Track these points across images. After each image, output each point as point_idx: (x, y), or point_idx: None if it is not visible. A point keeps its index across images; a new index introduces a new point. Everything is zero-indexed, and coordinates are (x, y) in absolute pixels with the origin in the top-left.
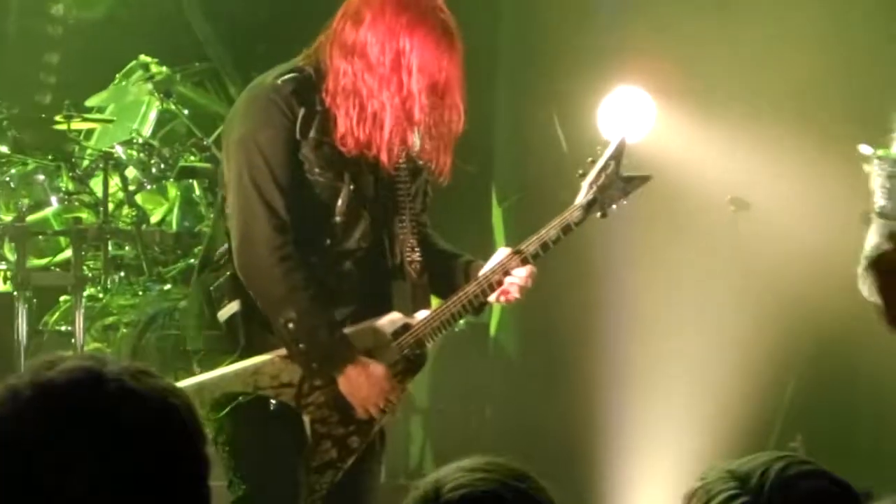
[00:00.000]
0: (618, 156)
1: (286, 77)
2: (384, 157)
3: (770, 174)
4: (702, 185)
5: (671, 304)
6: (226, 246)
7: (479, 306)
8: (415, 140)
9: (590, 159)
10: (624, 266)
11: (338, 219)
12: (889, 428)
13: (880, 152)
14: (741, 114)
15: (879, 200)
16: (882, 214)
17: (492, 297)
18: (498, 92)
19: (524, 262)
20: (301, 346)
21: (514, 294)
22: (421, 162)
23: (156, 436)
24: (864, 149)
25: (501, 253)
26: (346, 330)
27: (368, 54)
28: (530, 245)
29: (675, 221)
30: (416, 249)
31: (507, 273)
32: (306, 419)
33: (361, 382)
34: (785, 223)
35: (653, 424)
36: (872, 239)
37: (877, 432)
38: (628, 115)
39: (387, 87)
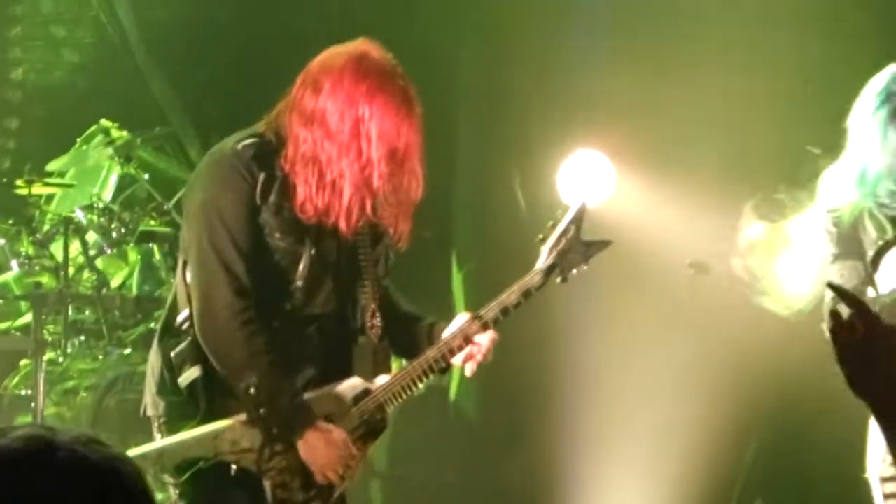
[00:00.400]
0: (578, 220)
1: (246, 142)
2: (343, 224)
3: (729, 237)
4: (661, 248)
5: (631, 367)
6: (186, 311)
7: (441, 370)
8: (374, 206)
9: (550, 223)
10: (583, 329)
11: (299, 283)
12: (847, 493)
13: (830, 207)
14: (701, 177)
15: (830, 248)
16: (837, 257)
17: (456, 360)
18: (458, 156)
19: (484, 326)
20: (262, 411)
21: (478, 359)
22: (381, 228)
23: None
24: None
25: (462, 318)
26: (307, 395)
27: (328, 122)
28: (490, 310)
29: (635, 285)
30: (377, 314)
31: (467, 338)
32: (267, 484)
33: (321, 448)
34: (744, 287)
35: (614, 487)
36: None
37: (835, 497)
38: (588, 178)
39: (346, 155)
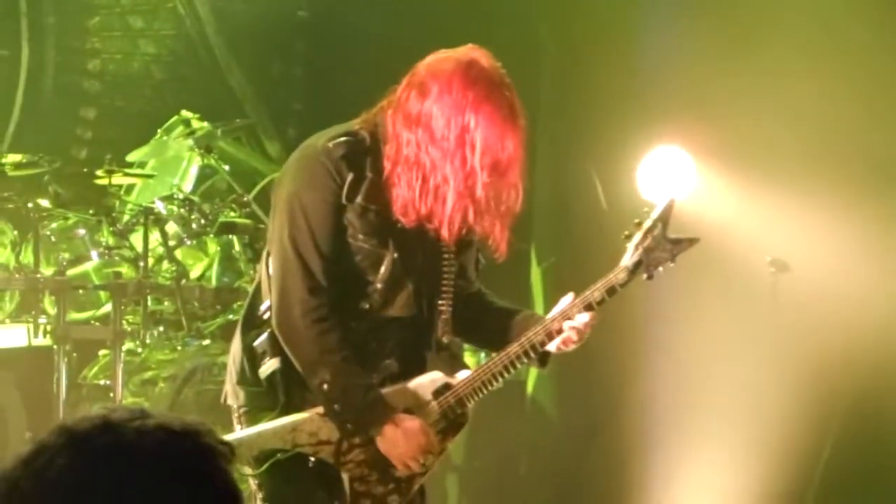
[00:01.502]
0: (665, 217)
1: (338, 140)
2: (445, 233)
3: (809, 234)
4: (741, 246)
5: (710, 365)
6: (268, 303)
7: (541, 357)
8: (476, 215)
9: (636, 220)
10: (663, 324)
11: (379, 286)
12: None
13: None
14: (780, 173)
15: None
16: None
17: (551, 346)
18: (537, 151)
19: (567, 318)
20: (336, 406)
21: (574, 339)
22: (472, 236)
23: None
24: None
25: (564, 301)
26: (385, 390)
27: (433, 127)
28: (574, 307)
29: (715, 282)
30: (450, 321)
31: (549, 335)
32: (345, 477)
33: (398, 439)
34: (824, 284)
35: (691, 481)
36: None
37: None
38: (667, 175)
39: (450, 162)
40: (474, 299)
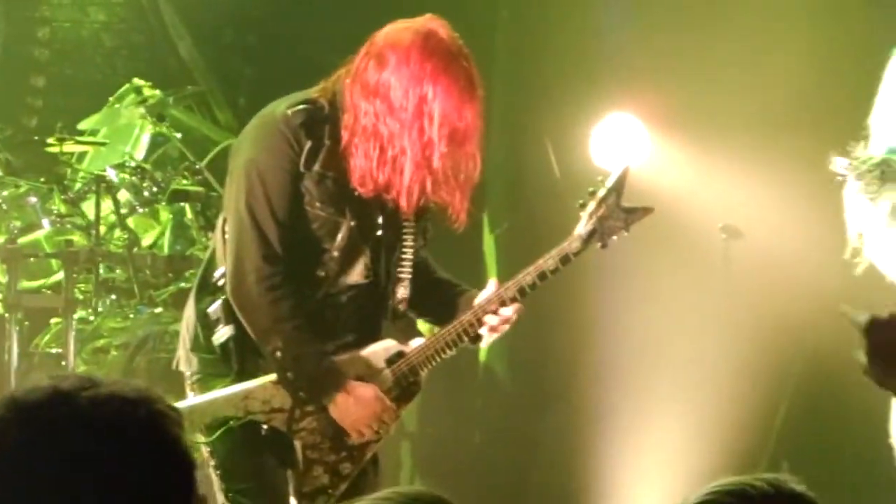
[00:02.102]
0: (619, 186)
1: (297, 108)
2: (403, 203)
3: (762, 201)
4: (693, 212)
5: (663, 331)
6: (222, 269)
7: (475, 336)
8: (434, 186)
9: (590, 189)
10: (615, 293)
11: (335, 253)
12: (875, 459)
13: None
14: (732, 141)
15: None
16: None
17: (483, 331)
18: (491, 119)
19: (520, 292)
20: (288, 374)
21: (500, 328)
22: (428, 206)
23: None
24: (840, 162)
25: (493, 284)
26: (338, 357)
27: (391, 97)
28: (527, 275)
29: (667, 249)
30: (408, 288)
31: (503, 303)
32: (298, 445)
33: (351, 406)
34: (776, 249)
35: (644, 450)
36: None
37: (863, 463)
38: (620, 142)
39: (408, 133)
40: (420, 269)
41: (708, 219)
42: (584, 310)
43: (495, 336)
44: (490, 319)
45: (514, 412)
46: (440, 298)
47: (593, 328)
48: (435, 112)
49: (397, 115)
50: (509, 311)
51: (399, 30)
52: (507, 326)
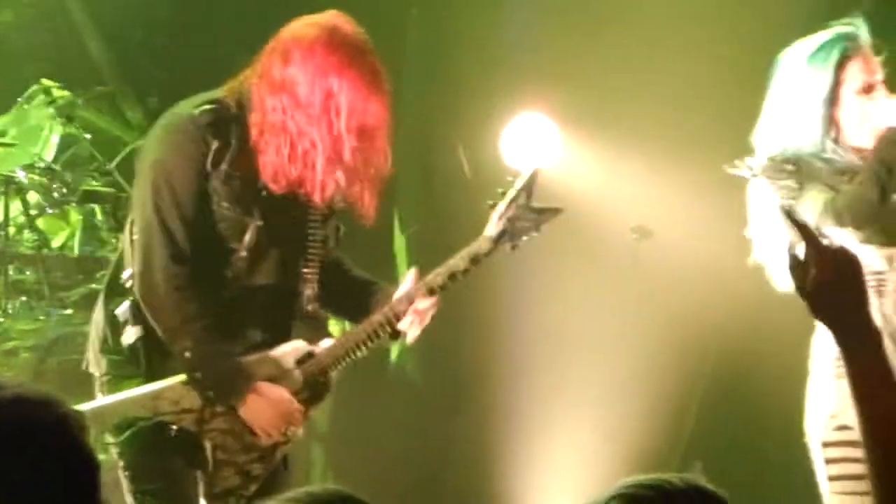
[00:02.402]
0: (529, 187)
1: (204, 108)
2: (317, 197)
3: (672, 201)
4: (605, 213)
5: (574, 331)
6: (130, 271)
7: (391, 334)
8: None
9: (500, 190)
10: (526, 294)
11: (243, 253)
12: (788, 456)
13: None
14: (643, 141)
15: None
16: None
17: (403, 326)
18: (401, 118)
19: (430, 292)
20: (197, 375)
21: (416, 326)
22: (338, 204)
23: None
24: (744, 169)
25: (409, 282)
26: (247, 358)
27: (297, 93)
28: (438, 276)
29: (578, 250)
30: (317, 288)
31: (412, 302)
32: (207, 445)
33: (261, 408)
34: (686, 250)
35: (557, 452)
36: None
37: (775, 460)
38: (532, 142)
39: (317, 127)
40: (332, 267)
41: (619, 219)
42: (496, 310)
43: (417, 329)
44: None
45: (426, 412)
46: (355, 297)
47: (504, 329)
48: (342, 106)
49: (305, 109)
50: (425, 304)
51: (303, 26)
52: (427, 318)
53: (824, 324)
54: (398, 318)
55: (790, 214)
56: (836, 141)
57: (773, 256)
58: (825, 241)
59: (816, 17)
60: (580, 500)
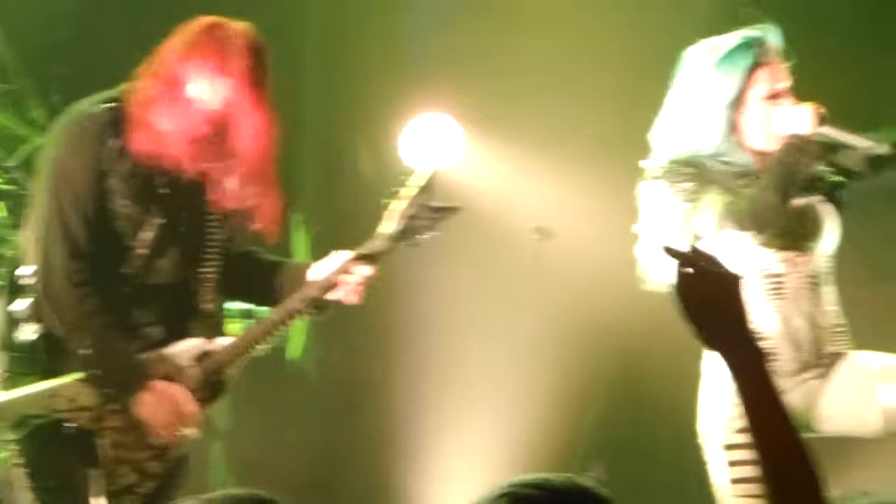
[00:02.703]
0: (428, 186)
1: (104, 107)
2: (214, 198)
3: (574, 202)
4: (507, 213)
5: (476, 332)
6: (29, 268)
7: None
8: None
9: (394, 189)
10: (427, 294)
11: (142, 251)
12: (685, 457)
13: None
14: (547, 143)
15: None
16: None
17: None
18: (302, 118)
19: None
20: (95, 372)
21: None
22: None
23: None
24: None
25: (342, 256)
26: (145, 356)
27: (190, 95)
28: (335, 274)
29: (481, 250)
30: (213, 287)
31: (310, 304)
32: (104, 443)
33: (158, 407)
34: (589, 251)
35: (455, 452)
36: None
37: (674, 461)
38: (433, 142)
39: (210, 129)
40: (244, 258)
41: (521, 220)
42: (397, 310)
43: (353, 296)
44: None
45: (327, 411)
46: (264, 279)
47: (405, 328)
48: (227, 103)
49: (196, 111)
50: (367, 271)
51: (192, 24)
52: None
53: (706, 345)
54: (291, 318)
55: (669, 250)
56: (737, 145)
57: (655, 257)
58: (702, 263)
59: (721, 18)
60: (476, 495)
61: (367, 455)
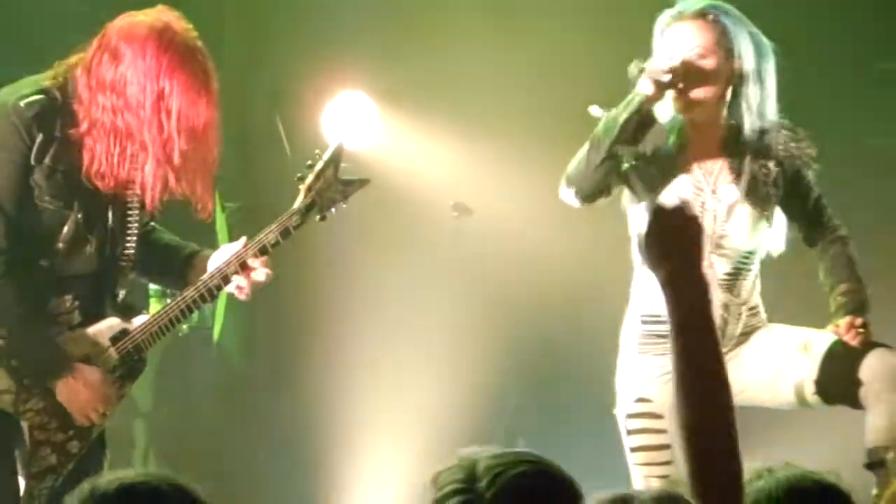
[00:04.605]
0: (335, 159)
1: (30, 100)
2: (147, 198)
3: (493, 180)
4: (425, 191)
5: (396, 310)
6: None
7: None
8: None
9: (308, 163)
10: (346, 272)
11: (61, 245)
12: (606, 427)
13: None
14: (464, 118)
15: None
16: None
17: (230, 287)
18: (221, 95)
19: (243, 267)
20: (13, 362)
21: (247, 291)
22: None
23: None
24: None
25: (223, 252)
26: (63, 336)
27: (128, 93)
28: (249, 249)
29: (400, 227)
30: (128, 276)
31: (225, 279)
32: (25, 425)
33: (78, 390)
34: (507, 227)
35: (378, 435)
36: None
37: (593, 433)
38: (352, 119)
39: (147, 129)
40: (148, 237)
41: (439, 197)
42: (317, 289)
43: (248, 290)
44: (231, 285)
45: (249, 392)
46: (169, 263)
47: (326, 308)
48: (173, 107)
49: (135, 111)
50: (257, 264)
51: (133, 23)
52: (251, 285)
53: (654, 271)
54: (211, 294)
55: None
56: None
57: None
58: (666, 199)
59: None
60: (399, 481)
61: (290, 435)
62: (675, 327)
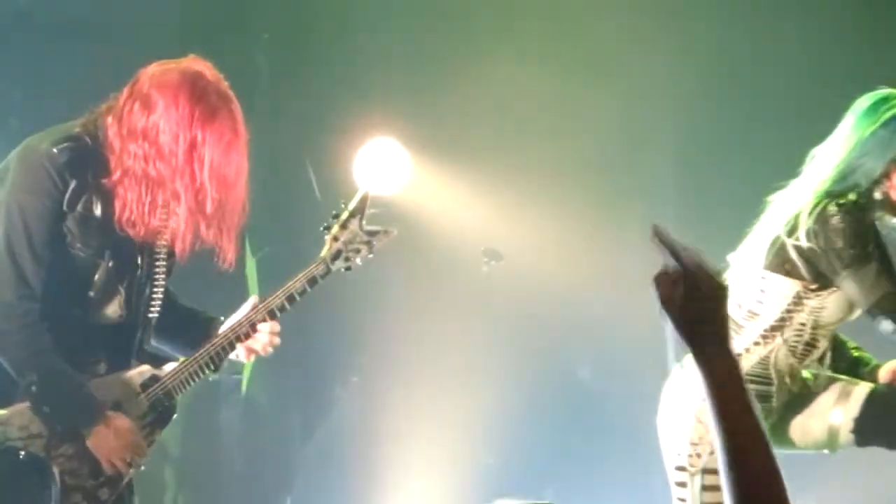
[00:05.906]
0: (360, 209)
1: (63, 146)
2: (178, 247)
3: (524, 227)
4: (456, 236)
5: (428, 355)
6: None
7: (222, 360)
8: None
9: (334, 213)
10: (380, 317)
11: (91, 293)
12: (638, 473)
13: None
14: (494, 166)
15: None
16: None
17: (240, 352)
18: (252, 140)
19: (270, 315)
20: (45, 408)
21: (260, 350)
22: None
23: None
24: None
25: (249, 304)
26: (95, 381)
27: (160, 142)
28: (276, 298)
29: (430, 273)
30: (153, 326)
31: (253, 325)
32: (56, 471)
33: (107, 438)
34: (536, 272)
35: (408, 475)
36: None
37: (628, 478)
38: (383, 166)
39: (180, 178)
40: (168, 297)
41: (470, 242)
42: (348, 339)
43: (262, 352)
44: (252, 340)
45: (277, 441)
46: (185, 329)
47: (357, 356)
48: (206, 157)
49: (167, 159)
50: (265, 329)
51: (165, 70)
52: (273, 340)
53: (683, 338)
54: (239, 340)
55: (658, 232)
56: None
57: None
58: (690, 259)
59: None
60: None
61: (320, 482)
62: (713, 406)
